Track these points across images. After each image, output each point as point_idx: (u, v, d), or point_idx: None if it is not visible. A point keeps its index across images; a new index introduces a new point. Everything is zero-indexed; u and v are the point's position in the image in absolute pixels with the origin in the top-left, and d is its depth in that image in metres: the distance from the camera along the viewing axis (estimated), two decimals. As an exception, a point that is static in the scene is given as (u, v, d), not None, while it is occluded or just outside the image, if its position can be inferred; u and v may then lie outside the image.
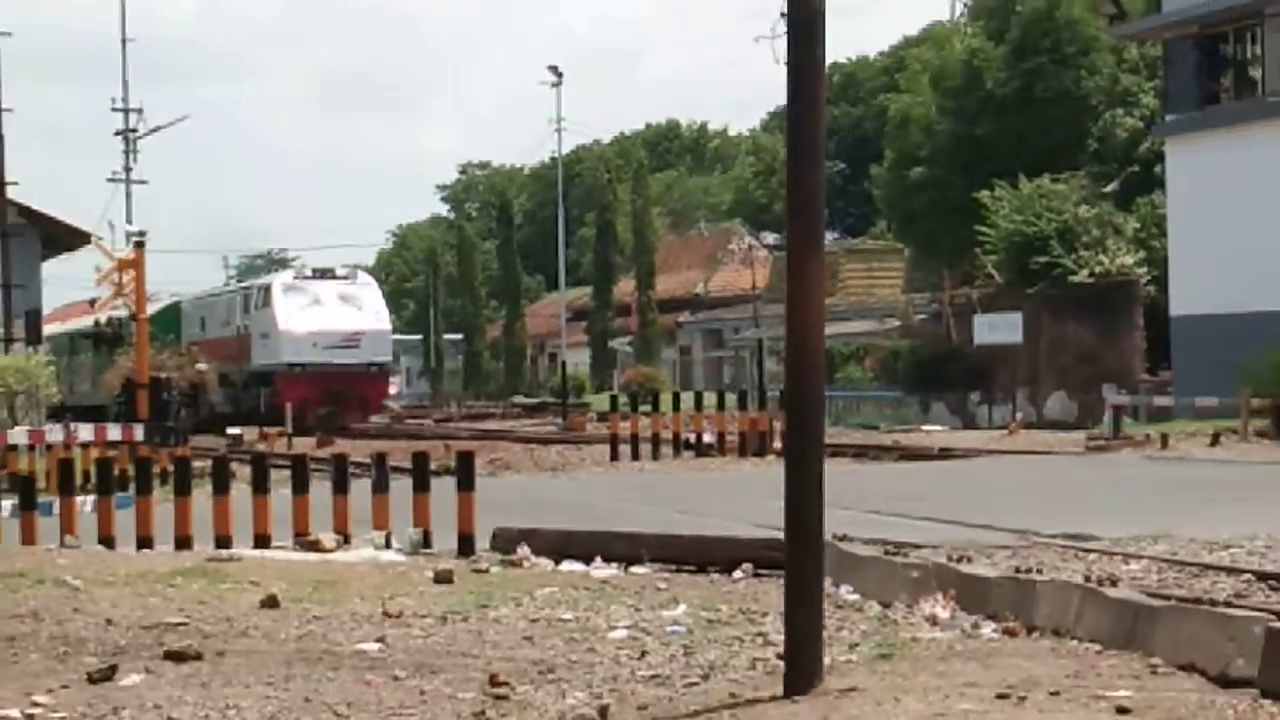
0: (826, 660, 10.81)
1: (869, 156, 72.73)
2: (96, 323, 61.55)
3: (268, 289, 62.06)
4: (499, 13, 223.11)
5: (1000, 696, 10.06)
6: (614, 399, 52.73)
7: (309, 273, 64.58)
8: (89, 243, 56.56)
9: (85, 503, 22.10)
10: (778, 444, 37.81)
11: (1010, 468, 33.70)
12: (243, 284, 70.23)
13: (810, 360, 11.21)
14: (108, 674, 11.55)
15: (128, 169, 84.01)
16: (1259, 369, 39.76)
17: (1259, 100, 48.26)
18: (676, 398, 48.07)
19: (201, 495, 21.27)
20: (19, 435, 33.53)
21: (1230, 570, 15.71)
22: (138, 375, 45.60)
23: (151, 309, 70.21)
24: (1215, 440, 37.02)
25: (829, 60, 11.46)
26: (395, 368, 69.02)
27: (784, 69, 11.02)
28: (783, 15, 11.17)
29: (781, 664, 10.89)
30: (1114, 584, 14.01)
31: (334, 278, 63.08)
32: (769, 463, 35.47)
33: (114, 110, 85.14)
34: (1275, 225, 45.11)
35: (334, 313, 60.11)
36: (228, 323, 65.57)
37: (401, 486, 21.34)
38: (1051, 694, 10.17)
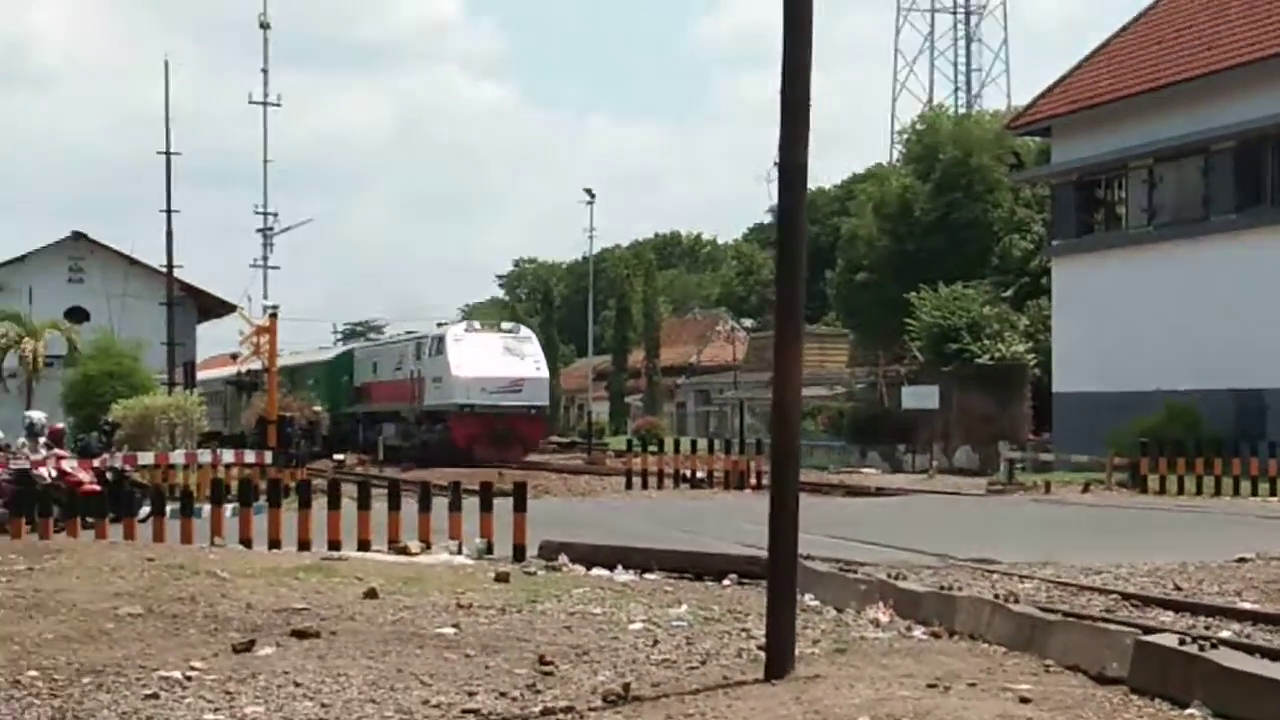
0: (796, 653, 10.82)
1: (824, 264, 72.89)
2: (238, 373, 61.74)
3: (442, 339, 59.21)
4: (547, 142, 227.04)
5: (930, 686, 10.05)
6: (629, 442, 53.05)
7: (478, 325, 62.25)
8: (234, 311, 57.08)
9: (228, 510, 22.13)
10: (753, 480, 37.92)
11: (930, 504, 33.63)
12: (414, 334, 67.52)
13: (790, 421, 11.32)
14: (248, 646, 11.58)
15: (265, 257, 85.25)
16: (1120, 435, 39.75)
17: (1122, 232, 48.37)
18: (676, 443, 48.53)
19: (318, 507, 21.30)
20: (177, 456, 33.54)
21: (1102, 591, 15.81)
22: (269, 414, 45.65)
23: (324, 356, 70.61)
24: (1086, 488, 37.08)
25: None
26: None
27: (763, 193, 11.16)
28: (775, 165, 11.24)
29: (762, 654, 10.96)
30: (1016, 600, 14.03)
31: (499, 330, 60.65)
32: (746, 495, 35.48)
33: (256, 213, 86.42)
34: (1132, 326, 45.23)
35: (500, 361, 57.14)
36: (399, 368, 62.98)
37: (470, 505, 21.28)
38: (969, 685, 10.15)
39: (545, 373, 59.84)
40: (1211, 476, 35.77)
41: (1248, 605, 14.79)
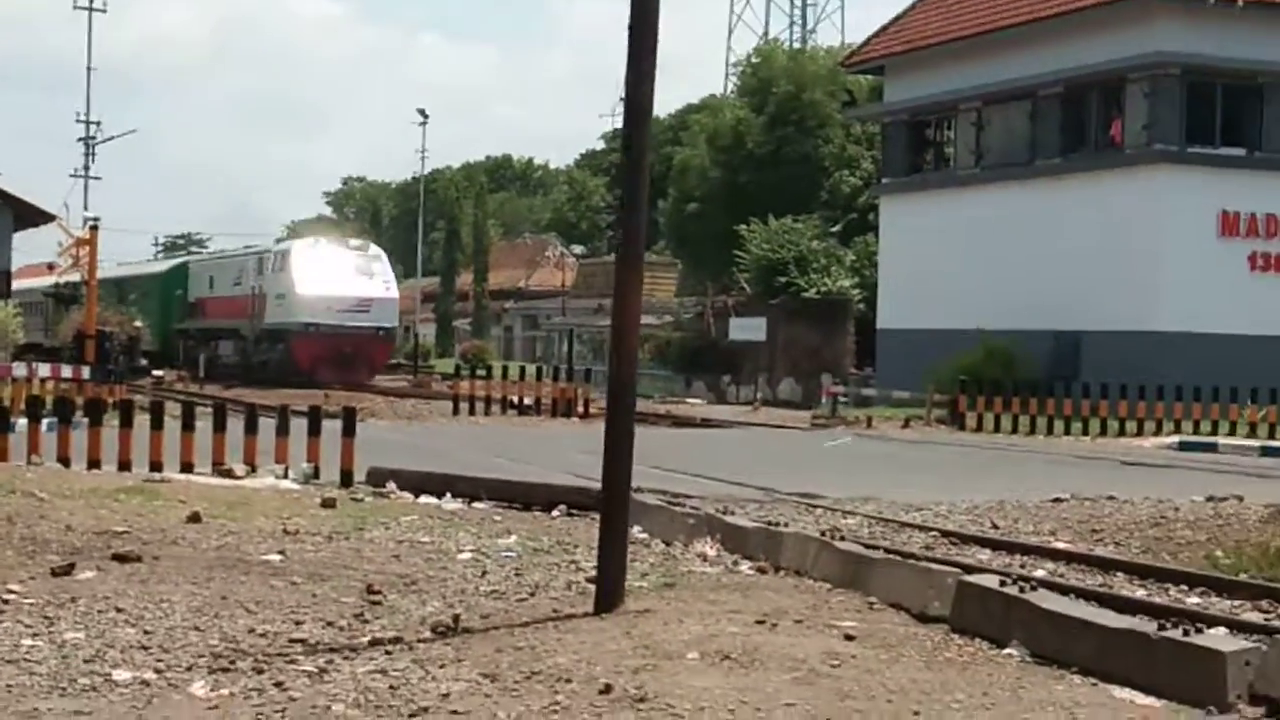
0: (625, 586, 10.85)
1: (656, 194, 72.97)
2: (55, 284, 60.43)
3: (286, 254, 57.26)
4: (379, 59, 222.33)
5: (759, 622, 10.13)
6: (457, 366, 52.63)
7: (325, 241, 59.77)
8: (52, 221, 55.71)
9: (45, 426, 21.68)
10: (581, 408, 38.04)
11: (755, 437, 33.93)
12: (255, 248, 65.04)
13: (628, 352, 11.31)
14: (67, 569, 11.43)
15: (86, 167, 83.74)
16: (940, 373, 40.30)
17: (950, 172, 48.99)
18: (505, 369, 48.30)
19: (140, 426, 20.91)
20: (-10, 372, 32.84)
21: (922, 528, 16.03)
22: (87, 328, 44.93)
23: (155, 268, 68.37)
24: (906, 424, 37.56)
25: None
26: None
27: (595, 121, 11.20)
28: (622, 99, 11.22)
29: (591, 587, 10.99)
30: (840, 536, 14.16)
31: (348, 247, 58.42)
32: (574, 423, 35.55)
33: (78, 121, 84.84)
34: (957, 265, 45.92)
35: (348, 279, 55.00)
36: (239, 283, 60.19)
37: (297, 428, 21.00)
38: (796, 621, 10.26)
39: (395, 293, 58.50)
40: (1027, 416, 36.46)
41: (1062, 545, 15.10)
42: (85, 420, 21.13)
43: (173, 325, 65.07)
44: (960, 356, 41.15)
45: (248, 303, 58.13)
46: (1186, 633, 9.40)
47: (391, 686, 8.30)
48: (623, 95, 11.53)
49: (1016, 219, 44.62)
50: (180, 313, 65.84)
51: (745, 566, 13.01)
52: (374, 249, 59.75)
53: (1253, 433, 34.46)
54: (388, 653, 9.12)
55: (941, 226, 47.56)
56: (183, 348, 64.29)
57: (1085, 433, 35.43)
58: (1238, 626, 10.49)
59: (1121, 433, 35.39)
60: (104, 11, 77.09)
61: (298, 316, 53.88)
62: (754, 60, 73.11)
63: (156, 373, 56.08)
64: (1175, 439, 33.51)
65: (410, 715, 7.75)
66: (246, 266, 60.45)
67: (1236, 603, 11.88)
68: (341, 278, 54.60)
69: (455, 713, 7.79)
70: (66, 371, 35.73)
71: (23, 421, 21.68)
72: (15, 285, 61.25)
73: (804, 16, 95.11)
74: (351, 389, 47.10)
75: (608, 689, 8.24)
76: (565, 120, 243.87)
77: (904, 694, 8.45)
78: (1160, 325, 40.31)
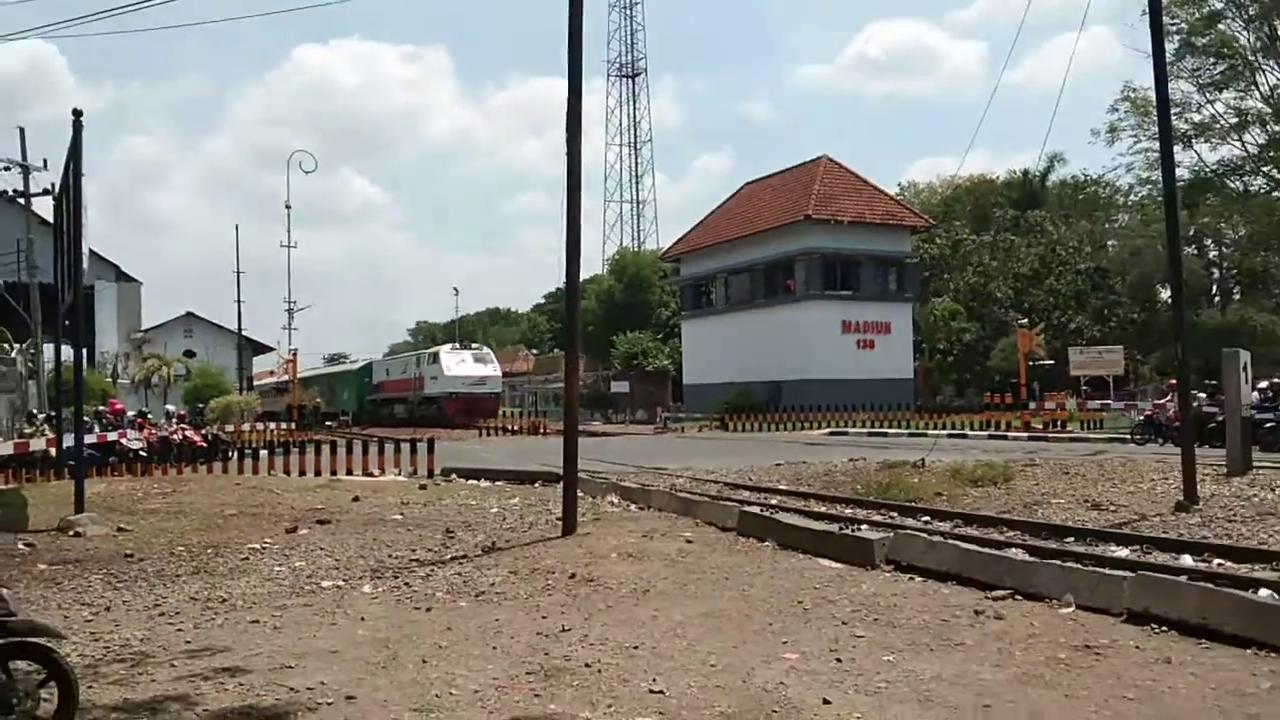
0: (577, 521, 10.67)
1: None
2: (276, 383, 59.02)
3: (437, 354, 51.33)
4: (428, 265, 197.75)
5: (644, 536, 10.02)
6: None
7: (459, 345, 53.24)
8: (273, 351, 54.44)
9: (275, 452, 21.02)
10: (543, 430, 37.48)
11: (628, 441, 33.35)
12: (413, 354, 58.49)
13: (572, 406, 11.12)
14: (294, 529, 11.12)
15: (289, 322, 79.81)
16: (716, 404, 40.49)
17: (713, 308, 48.96)
18: (502, 413, 47.03)
19: (325, 451, 20.39)
20: (245, 427, 31.85)
21: (714, 481, 15.71)
22: (293, 404, 43.91)
23: (355, 366, 62.87)
24: (700, 429, 37.36)
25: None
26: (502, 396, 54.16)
27: (543, 287, 10.90)
28: (561, 286, 11.03)
29: (559, 522, 10.75)
30: (678, 489, 14.04)
31: (470, 349, 52.02)
32: (539, 439, 35.06)
33: (284, 302, 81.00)
34: (717, 352, 46.04)
35: (471, 367, 49.26)
36: (405, 371, 54.58)
37: (405, 449, 20.52)
38: (662, 535, 10.15)
39: (499, 373, 51.88)
40: (758, 423, 36.49)
41: (784, 486, 14.98)
42: (296, 449, 20.55)
43: (366, 398, 59.05)
44: (725, 395, 41.27)
45: (412, 382, 53.15)
46: (853, 530, 9.43)
47: (464, 579, 8.11)
48: (562, 281, 11.38)
49: (747, 329, 44.82)
50: (369, 391, 59.65)
51: (633, 507, 12.86)
52: (486, 349, 54.10)
53: (871, 425, 34.76)
54: (459, 563, 8.93)
55: (711, 335, 47.71)
56: (370, 410, 58.31)
57: (787, 429, 35.56)
58: (876, 524, 10.55)
59: (803, 428, 35.35)
60: (295, 247, 72.93)
61: (446, 388, 49.06)
62: (616, 256, 73.29)
63: (329, 422, 53.90)
64: (828, 431, 33.66)
65: (476, 594, 7.56)
66: (409, 362, 55.80)
67: (872, 511, 11.98)
68: (469, 366, 49.78)
69: (498, 591, 7.61)
70: (284, 426, 34.77)
71: (264, 452, 21.08)
72: (256, 383, 59.70)
73: (637, 233, 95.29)
74: (444, 428, 42.95)
75: (573, 575, 8.10)
76: (524, 288, 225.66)
77: (720, 567, 8.39)
78: (815, 375, 40.60)
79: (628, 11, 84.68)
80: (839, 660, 5.50)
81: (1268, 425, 17.91)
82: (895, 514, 11.51)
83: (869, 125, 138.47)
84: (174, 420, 23.86)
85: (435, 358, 50.82)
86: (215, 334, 56.92)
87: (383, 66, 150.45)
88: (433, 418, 47.41)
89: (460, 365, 49.33)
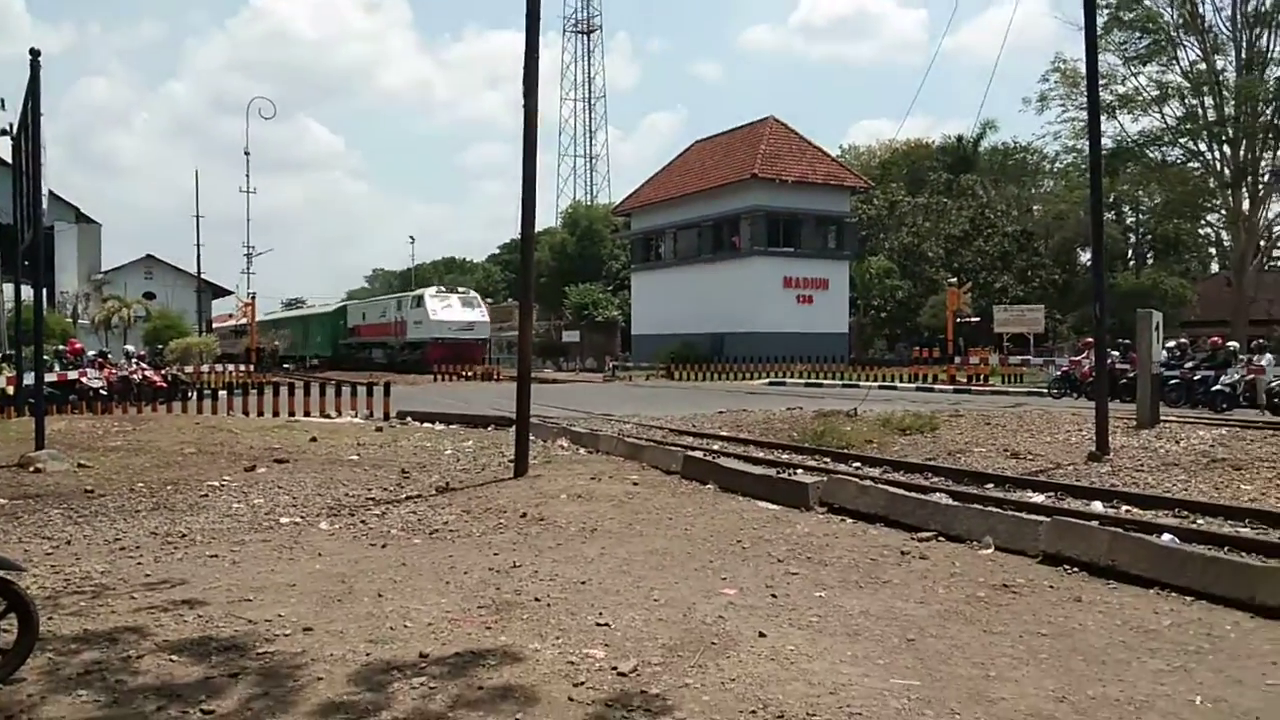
0: (529, 464, 10.63)
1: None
2: (234, 326, 57.83)
3: (420, 296, 46.77)
4: (387, 213, 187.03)
5: (593, 479, 10.01)
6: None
7: (444, 289, 49.11)
8: (231, 295, 53.26)
9: (234, 393, 20.63)
10: (497, 377, 37.16)
11: (578, 388, 33.22)
12: (392, 296, 54.16)
13: (526, 353, 11.03)
14: (252, 468, 10.91)
15: (249, 266, 77.74)
16: (663, 353, 40.50)
17: (663, 261, 48.82)
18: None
19: (284, 392, 20.06)
20: (204, 368, 31.18)
21: (660, 428, 15.78)
22: (251, 346, 43.08)
23: (330, 308, 59.20)
24: (647, 378, 37.30)
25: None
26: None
27: (498, 237, 10.75)
28: (516, 237, 10.90)
29: (512, 464, 10.67)
30: (626, 435, 14.06)
31: (457, 292, 47.92)
32: (494, 384, 34.84)
33: (243, 247, 78.99)
34: (656, 304, 46.02)
35: (458, 311, 45.32)
36: (384, 315, 50.12)
37: (361, 391, 20.30)
38: (610, 478, 10.15)
39: (487, 318, 47.50)
40: (702, 373, 36.57)
41: (725, 433, 15.08)
42: (255, 390, 20.20)
43: (340, 341, 54.98)
44: (671, 346, 41.22)
45: (393, 326, 48.81)
46: (789, 474, 9.51)
47: (419, 518, 8.05)
48: (517, 233, 11.24)
49: (694, 283, 44.78)
50: (344, 334, 55.67)
51: (582, 451, 12.83)
52: (474, 293, 49.54)
53: (808, 376, 34.99)
54: (414, 502, 8.86)
55: (659, 287, 47.61)
56: (345, 355, 54.24)
57: (729, 379, 35.73)
58: (810, 469, 10.67)
59: (744, 378, 35.38)
60: (254, 193, 70.41)
61: (432, 333, 44.94)
62: (569, 209, 72.57)
63: (286, 365, 52.62)
64: (768, 381, 33.87)
65: (430, 531, 7.51)
66: (389, 305, 51.31)
67: (807, 457, 12.11)
68: (456, 310, 45.81)
69: (452, 529, 7.58)
70: (243, 368, 34.09)
71: (222, 392, 20.66)
72: (215, 326, 58.39)
73: (590, 188, 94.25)
74: (400, 373, 40.74)
75: (524, 515, 8.08)
76: (480, 236, 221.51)
77: (665, 508, 8.43)
78: (757, 328, 40.77)
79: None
80: (774, 596, 5.57)
81: (1174, 382, 18.42)
82: (829, 460, 11.66)
83: (813, 87, 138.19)
84: (133, 360, 23.29)
85: (419, 301, 46.79)
86: (175, 276, 55.61)
87: (342, 15, 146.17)
88: (415, 364, 43.77)
89: (446, 309, 45.58)
